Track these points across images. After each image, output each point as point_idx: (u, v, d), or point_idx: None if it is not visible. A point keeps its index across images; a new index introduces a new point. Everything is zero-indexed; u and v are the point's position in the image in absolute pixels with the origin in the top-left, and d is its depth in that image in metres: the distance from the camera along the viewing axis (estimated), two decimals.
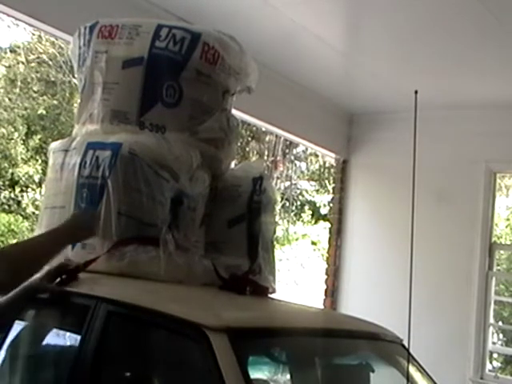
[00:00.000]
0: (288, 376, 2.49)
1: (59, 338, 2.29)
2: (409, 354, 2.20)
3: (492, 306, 5.67)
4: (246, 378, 1.73)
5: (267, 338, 1.97)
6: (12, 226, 10.36)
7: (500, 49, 4.31)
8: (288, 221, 12.73)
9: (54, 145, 2.56)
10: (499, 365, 8.25)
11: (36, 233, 2.49)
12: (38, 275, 2.05)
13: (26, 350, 2.19)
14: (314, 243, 12.53)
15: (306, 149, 11.61)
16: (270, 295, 2.56)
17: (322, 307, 6.05)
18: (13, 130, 10.63)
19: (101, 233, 2.22)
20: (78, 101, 2.72)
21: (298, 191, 13.31)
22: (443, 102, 5.43)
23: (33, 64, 10.46)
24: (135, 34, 2.45)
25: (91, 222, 2.21)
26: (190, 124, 2.42)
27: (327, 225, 7.81)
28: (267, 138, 12.15)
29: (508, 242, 9.52)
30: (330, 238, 6.53)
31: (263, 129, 8.98)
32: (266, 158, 12.17)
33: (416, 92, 2.21)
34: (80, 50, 2.57)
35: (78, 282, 2.09)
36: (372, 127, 6.18)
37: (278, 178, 12.47)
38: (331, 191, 8.14)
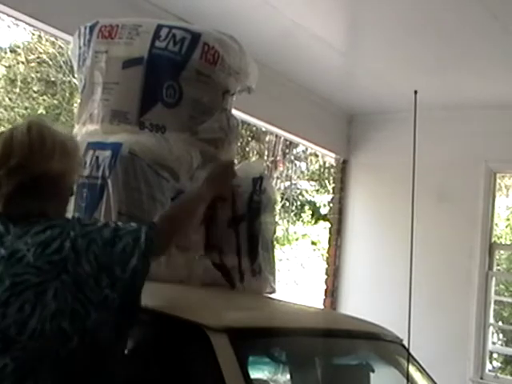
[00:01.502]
0: (288, 376, 2.50)
1: None
2: (409, 354, 2.20)
3: (492, 306, 5.67)
4: (246, 378, 1.73)
5: (267, 337, 1.98)
6: None
7: (500, 49, 4.31)
8: (288, 221, 12.71)
9: None
10: (499, 365, 8.23)
11: None
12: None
13: None
14: (314, 243, 12.51)
15: (306, 149, 11.60)
16: (269, 295, 2.56)
17: (322, 307, 6.05)
18: None
19: None
20: (78, 101, 2.72)
21: (298, 191, 13.28)
22: (443, 102, 5.43)
23: (33, 64, 10.44)
24: (135, 34, 2.45)
25: (227, 171, 2.30)
26: (190, 124, 2.42)
27: (327, 225, 7.80)
28: (267, 138, 12.12)
29: (508, 242, 9.51)
30: (329, 238, 6.53)
31: (263, 129, 8.97)
32: (266, 158, 12.15)
33: (416, 92, 2.21)
34: (80, 50, 2.57)
35: None
36: (372, 127, 6.18)
37: (277, 177, 12.45)
38: (331, 191, 8.13)
